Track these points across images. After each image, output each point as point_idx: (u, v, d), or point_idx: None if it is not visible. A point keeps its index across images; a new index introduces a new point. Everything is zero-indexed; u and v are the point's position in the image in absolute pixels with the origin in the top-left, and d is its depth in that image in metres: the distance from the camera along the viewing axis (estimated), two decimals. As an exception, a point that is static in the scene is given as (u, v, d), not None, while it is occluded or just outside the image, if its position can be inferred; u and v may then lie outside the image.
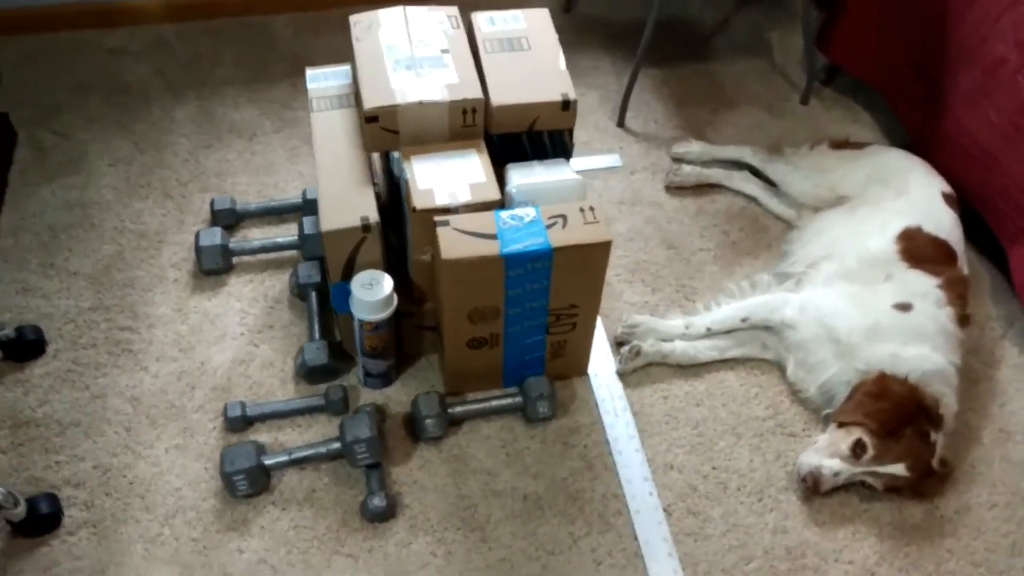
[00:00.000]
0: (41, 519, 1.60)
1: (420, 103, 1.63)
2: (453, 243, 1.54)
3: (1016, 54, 1.90)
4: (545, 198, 1.65)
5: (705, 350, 1.89)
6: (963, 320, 1.81)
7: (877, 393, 1.69)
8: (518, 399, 1.77)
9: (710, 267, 2.08)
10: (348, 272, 1.68)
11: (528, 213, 1.59)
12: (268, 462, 1.66)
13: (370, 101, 1.63)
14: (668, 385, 1.87)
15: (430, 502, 1.68)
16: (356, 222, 1.60)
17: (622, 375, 1.87)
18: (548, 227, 1.56)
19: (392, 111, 1.62)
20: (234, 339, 1.90)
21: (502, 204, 1.62)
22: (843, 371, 1.76)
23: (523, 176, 1.68)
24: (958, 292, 1.82)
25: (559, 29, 1.80)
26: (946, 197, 1.97)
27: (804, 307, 1.85)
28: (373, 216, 1.61)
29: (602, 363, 1.88)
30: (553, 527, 1.66)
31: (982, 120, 2.00)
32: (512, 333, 1.70)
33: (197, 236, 1.97)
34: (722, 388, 1.87)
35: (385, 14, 1.77)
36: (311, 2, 2.63)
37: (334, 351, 1.82)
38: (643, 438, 1.78)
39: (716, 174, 2.23)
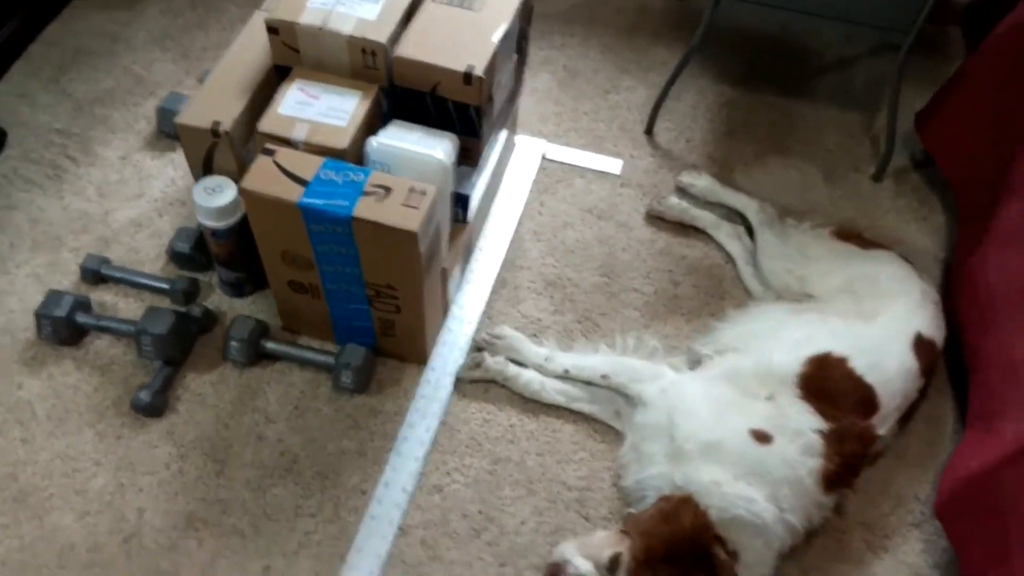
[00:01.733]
0: None
1: (320, 28, 1.54)
2: (260, 175, 1.46)
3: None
4: (402, 167, 1.52)
5: (553, 391, 1.67)
6: (832, 481, 1.45)
7: (667, 515, 1.41)
8: (331, 360, 1.68)
9: (631, 312, 1.82)
10: (208, 173, 1.65)
11: (358, 175, 1.46)
12: (79, 319, 1.71)
13: (275, 10, 1.56)
14: (497, 410, 1.68)
15: (198, 419, 1.65)
16: (207, 124, 1.56)
17: (459, 381, 1.71)
18: (365, 195, 1.43)
19: (291, 27, 1.55)
20: (147, 203, 1.95)
21: (351, 157, 1.51)
22: (663, 476, 1.49)
23: (392, 137, 1.55)
24: (845, 449, 1.46)
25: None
26: (920, 342, 1.57)
27: (666, 391, 1.57)
28: (227, 124, 1.56)
29: (451, 360, 1.73)
30: (287, 493, 1.57)
31: (1004, 267, 1.56)
32: (332, 291, 1.60)
33: (164, 98, 2.03)
34: (549, 437, 1.65)
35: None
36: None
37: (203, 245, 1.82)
38: (433, 450, 1.63)
39: (705, 219, 1.93)
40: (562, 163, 2.05)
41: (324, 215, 1.42)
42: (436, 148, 1.53)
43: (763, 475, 1.43)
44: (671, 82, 2.03)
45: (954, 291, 1.74)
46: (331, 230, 1.45)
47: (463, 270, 1.82)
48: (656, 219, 1.96)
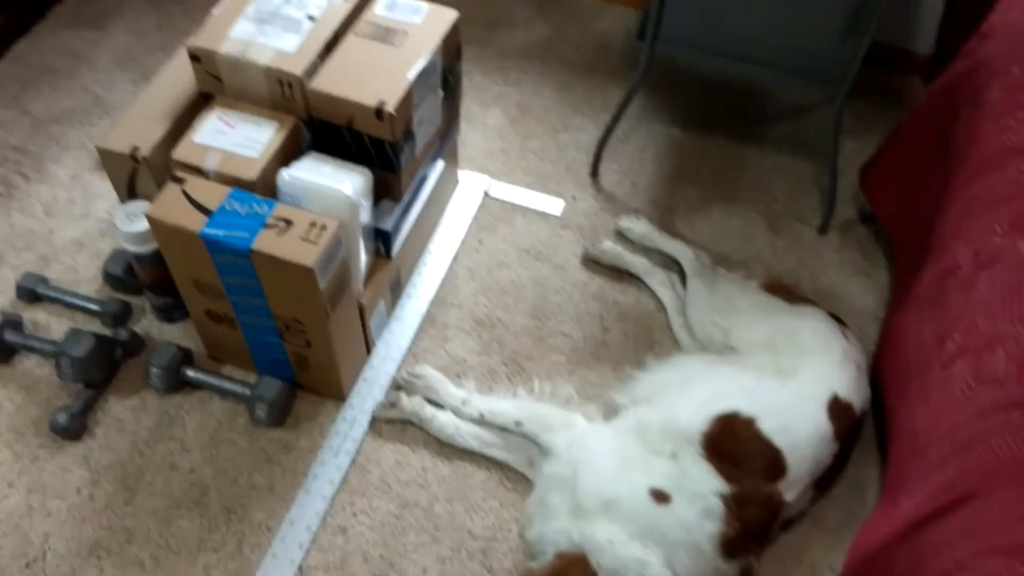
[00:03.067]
0: None
1: (238, 58, 1.55)
2: (168, 203, 1.47)
3: (970, 264, 1.42)
4: (311, 200, 1.53)
5: (468, 435, 1.67)
6: (733, 547, 1.44)
7: (558, 573, 1.40)
8: (247, 392, 1.69)
9: (557, 356, 1.81)
10: (132, 197, 1.67)
11: (262, 207, 1.47)
12: (7, 337, 1.73)
13: (197, 39, 1.58)
14: (411, 452, 1.68)
15: (114, 444, 1.66)
16: (127, 149, 1.57)
17: (375, 420, 1.71)
18: (267, 227, 1.44)
19: (211, 56, 1.56)
20: (92, 222, 1.97)
21: (260, 188, 1.52)
22: (564, 531, 1.48)
23: (304, 169, 1.55)
24: (747, 514, 1.44)
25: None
26: (836, 404, 1.55)
27: (574, 442, 1.57)
28: (146, 150, 1.57)
29: (370, 398, 1.73)
30: (192, 526, 1.58)
31: (917, 332, 1.54)
32: (245, 323, 1.61)
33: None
34: (460, 483, 1.65)
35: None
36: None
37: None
38: (342, 490, 1.63)
39: (639, 265, 1.92)
40: (504, 201, 2.05)
41: (224, 246, 1.43)
42: (344, 182, 1.53)
43: (660, 537, 1.42)
44: (614, 123, 2.02)
45: (881, 352, 1.72)
46: (233, 261, 1.46)
47: (391, 305, 1.83)
48: (592, 263, 1.95)
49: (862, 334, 1.78)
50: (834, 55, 1.74)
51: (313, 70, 1.56)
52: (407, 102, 1.56)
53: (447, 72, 1.70)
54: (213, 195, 1.47)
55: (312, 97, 1.55)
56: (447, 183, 1.95)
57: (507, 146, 2.16)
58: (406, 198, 1.72)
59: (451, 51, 1.69)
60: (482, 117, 2.20)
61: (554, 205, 2.05)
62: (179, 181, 1.49)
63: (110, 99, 2.21)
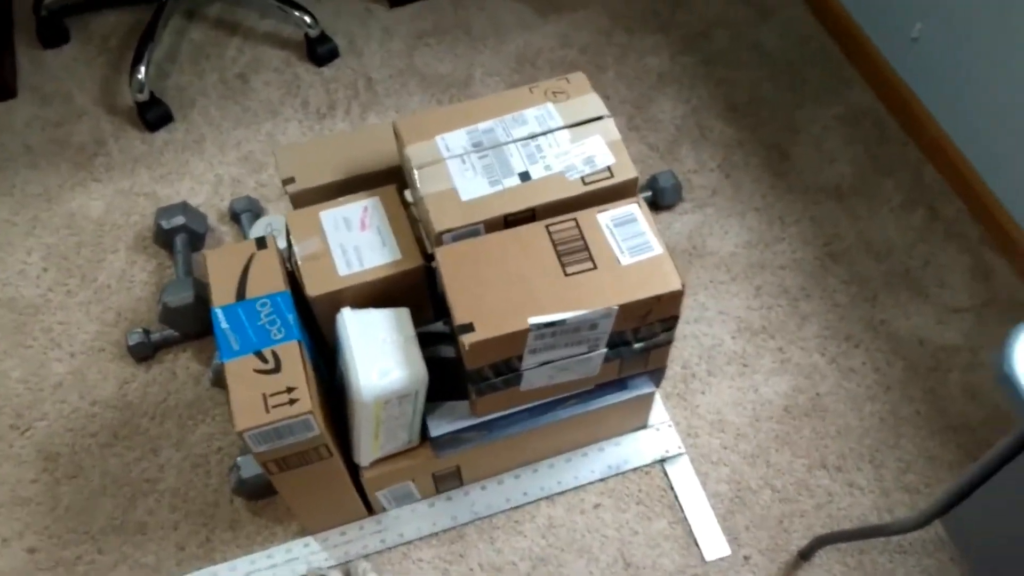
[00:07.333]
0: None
1: (412, 168, 1.28)
2: (236, 252, 1.30)
3: None
4: (342, 357, 1.25)
5: None
6: None
7: None
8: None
9: None
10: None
11: (279, 333, 1.23)
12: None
13: (406, 119, 1.33)
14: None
15: (150, 388, 1.65)
16: (286, 173, 1.41)
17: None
18: (256, 355, 1.21)
19: (402, 145, 1.31)
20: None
21: (321, 305, 1.28)
22: None
23: (367, 323, 1.24)
24: None
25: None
26: None
27: None
28: (294, 188, 1.39)
29: (331, 550, 1.48)
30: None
31: None
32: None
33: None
34: None
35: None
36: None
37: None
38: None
39: None
40: (674, 490, 1.54)
41: (216, 339, 1.24)
42: (391, 371, 1.20)
43: None
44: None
45: None
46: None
47: (436, 491, 1.51)
48: None
49: None
50: None
51: (460, 237, 1.24)
52: (511, 341, 1.17)
53: (634, 334, 1.25)
54: (266, 282, 1.28)
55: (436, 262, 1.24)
56: (622, 416, 1.51)
57: (751, 445, 1.59)
58: (484, 419, 1.35)
59: (643, 316, 1.23)
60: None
61: (719, 546, 1.48)
62: (262, 246, 1.31)
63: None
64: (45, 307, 1.76)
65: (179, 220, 1.76)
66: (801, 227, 1.80)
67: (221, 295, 1.27)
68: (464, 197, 1.25)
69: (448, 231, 1.23)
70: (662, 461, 1.54)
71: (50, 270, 1.81)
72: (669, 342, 1.32)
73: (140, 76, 1.96)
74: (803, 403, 1.59)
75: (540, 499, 1.51)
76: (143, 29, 2.04)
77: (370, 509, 1.50)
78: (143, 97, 1.98)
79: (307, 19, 2.07)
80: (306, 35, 2.10)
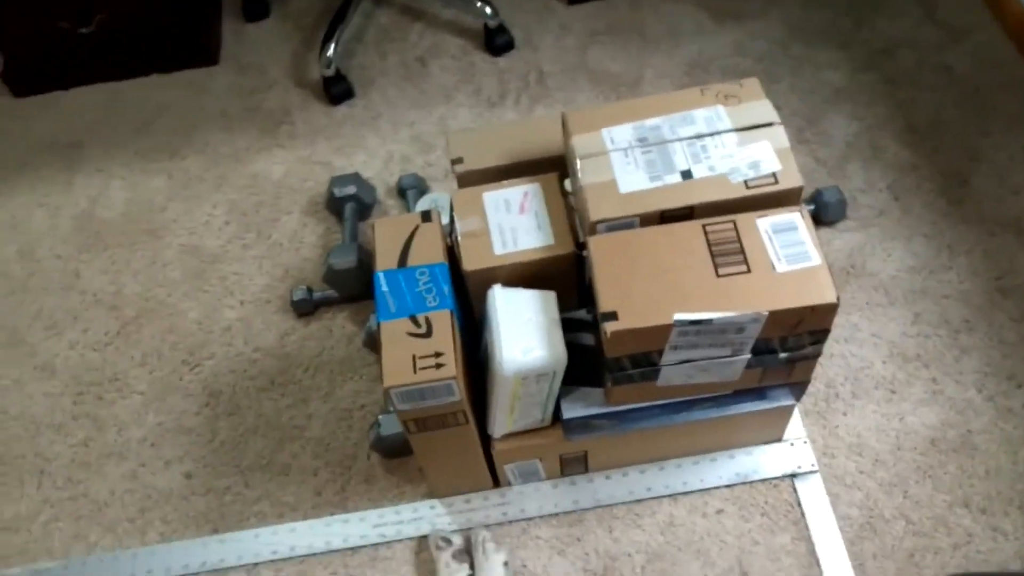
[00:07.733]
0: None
1: (575, 156, 1.32)
2: (401, 222, 1.38)
3: None
4: (488, 330, 1.30)
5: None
6: None
7: None
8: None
9: None
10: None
11: (435, 300, 1.30)
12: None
13: (576, 113, 1.37)
14: (413, 596, 1.48)
15: (310, 343, 1.76)
16: (454, 153, 1.48)
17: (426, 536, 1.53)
18: (411, 319, 1.28)
19: (568, 136, 1.35)
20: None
21: (474, 280, 1.33)
22: None
23: (515, 302, 1.28)
24: None
25: None
26: None
27: None
28: (461, 168, 1.46)
29: (455, 515, 1.54)
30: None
31: None
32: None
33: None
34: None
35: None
36: None
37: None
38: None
39: None
40: (802, 508, 1.51)
41: (376, 300, 1.31)
42: (533, 349, 1.24)
43: None
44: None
45: None
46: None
47: (560, 473, 1.54)
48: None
49: None
50: None
51: (614, 228, 1.26)
52: (653, 335, 1.19)
53: (781, 343, 1.24)
54: (426, 253, 1.35)
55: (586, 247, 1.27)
56: (758, 426, 1.50)
57: (889, 473, 1.53)
58: (617, 408, 1.37)
59: (792, 326, 1.21)
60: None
61: (843, 570, 1.44)
62: (427, 219, 1.38)
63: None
64: (223, 257, 1.91)
65: (350, 189, 1.87)
66: (972, 258, 1.72)
67: (385, 261, 1.34)
68: (623, 189, 1.27)
69: (603, 221, 1.26)
70: (793, 476, 1.51)
71: (231, 224, 1.96)
72: (816, 356, 1.30)
73: (329, 53, 2.10)
74: (952, 438, 1.52)
75: (663, 496, 1.51)
76: (336, 10, 2.17)
77: (496, 482, 1.55)
78: (330, 72, 2.11)
79: (488, 10, 2.15)
80: (485, 25, 2.18)
